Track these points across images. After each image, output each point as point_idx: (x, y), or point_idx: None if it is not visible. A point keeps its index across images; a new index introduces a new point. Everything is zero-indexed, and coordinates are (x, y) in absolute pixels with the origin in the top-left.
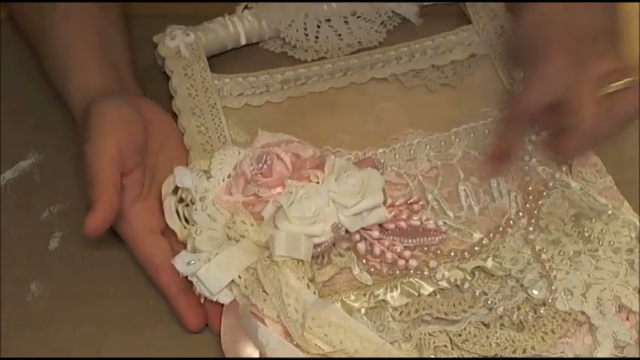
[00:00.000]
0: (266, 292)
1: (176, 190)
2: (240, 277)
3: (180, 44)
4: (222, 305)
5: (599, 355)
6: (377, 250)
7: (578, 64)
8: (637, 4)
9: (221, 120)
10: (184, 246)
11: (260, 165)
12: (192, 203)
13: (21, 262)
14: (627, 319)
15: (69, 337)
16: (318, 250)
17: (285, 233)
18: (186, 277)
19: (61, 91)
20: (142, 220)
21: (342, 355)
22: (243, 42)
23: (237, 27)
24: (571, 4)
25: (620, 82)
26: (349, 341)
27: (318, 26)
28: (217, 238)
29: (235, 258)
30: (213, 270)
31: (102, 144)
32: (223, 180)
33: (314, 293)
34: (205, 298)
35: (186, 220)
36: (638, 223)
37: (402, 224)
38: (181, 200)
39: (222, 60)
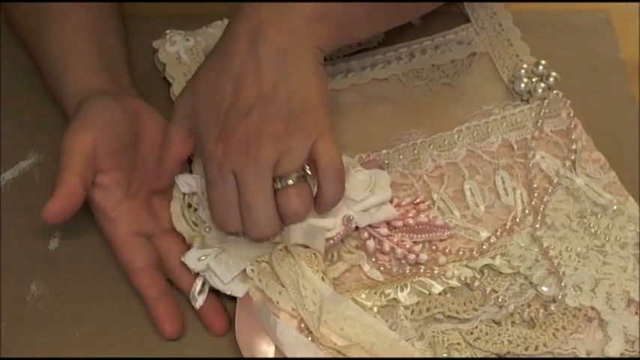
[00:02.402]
0: (281, 285)
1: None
2: (252, 271)
3: (180, 49)
4: (219, 306)
5: (610, 350)
6: (386, 246)
7: (238, 150)
8: (637, 4)
9: None
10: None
11: None
12: (199, 207)
13: (21, 262)
14: (636, 313)
15: (69, 337)
16: (331, 242)
17: (300, 223)
18: (167, 281)
19: (56, 93)
20: (127, 221)
21: (358, 349)
22: None
23: None
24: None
25: (285, 181)
26: (365, 335)
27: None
28: (227, 236)
29: (246, 249)
30: (225, 260)
31: (77, 136)
32: None
33: (325, 283)
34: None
35: (195, 224)
36: None
37: (410, 221)
38: (189, 206)
39: None
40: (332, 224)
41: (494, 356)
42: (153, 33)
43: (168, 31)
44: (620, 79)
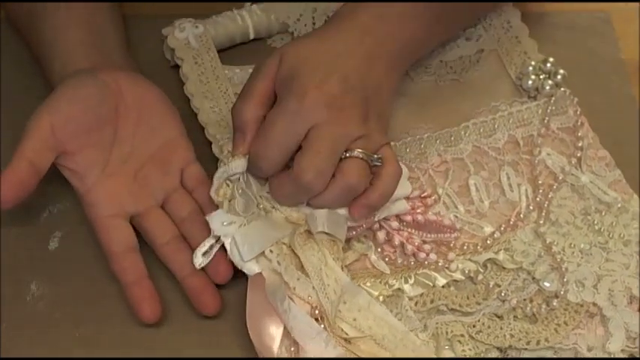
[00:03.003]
0: (299, 271)
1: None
2: (271, 252)
3: (189, 36)
4: (210, 286)
5: (611, 346)
6: (396, 240)
7: (333, 108)
8: (637, 4)
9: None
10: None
11: None
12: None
13: (21, 262)
14: (638, 309)
15: (69, 337)
16: (353, 233)
17: (326, 211)
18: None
19: (48, 80)
20: (105, 203)
21: (368, 341)
22: (252, 36)
23: (246, 21)
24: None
25: (361, 150)
26: (378, 327)
27: (327, 21)
28: (254, 207)
29: (268, 228)
30: (250, 235)
31: (34, 120)
32: None
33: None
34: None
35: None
36: None
37: (420, 217)
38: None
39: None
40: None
41: (495, 349)
42: (154, 33)
43: (177, 20)
44: (620, 79)
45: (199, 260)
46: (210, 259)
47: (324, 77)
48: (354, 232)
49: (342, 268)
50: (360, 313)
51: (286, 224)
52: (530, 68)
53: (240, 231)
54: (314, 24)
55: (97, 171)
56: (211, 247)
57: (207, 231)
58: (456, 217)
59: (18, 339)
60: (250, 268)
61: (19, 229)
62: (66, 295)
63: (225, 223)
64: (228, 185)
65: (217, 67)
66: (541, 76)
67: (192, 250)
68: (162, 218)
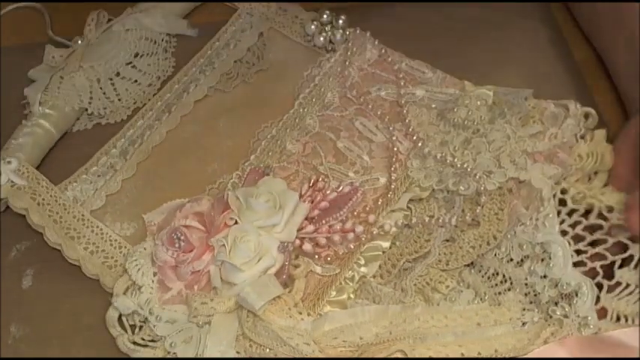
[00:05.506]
0: (269, 348)
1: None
2: (238, 353)
3: (9, 176)
4: None
5: (545, 194)
6: (322, 240)
7: None
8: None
9: (99, 226)
10: None
11: (176, 245)
12: (150, 321)
13: None
14: (536, 160)
15: None
16: (283, 277)
17: (248, 285)
18: None
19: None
20: None
21: (370, 348)
22: (58, 136)
23: (43, 127)
24: None
25: None
26: (366, 332)
27: (113, 84)
28: (192, 337)
29: (219, 340)
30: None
31: None
32: (153, 281)
33: (302, 314)
34: None
35: (153, 341)
36: (487, 91)
37: (323, 204)
38: (132, 328)
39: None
40: (272, 261)
41: (468, 270)
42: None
43: None
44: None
45: None
46: None
47: None
48: (284, 277)
49: (301, 312)
50: (344, 333)
51: (232, 316)
52: (313, 27)
53: None
54: (105, 93)
55: None
56: None
57: None
58: (352, 184)
59: None
60: None
61: None
62: (46, 333)
63: None
64: (154, 348)
65: (58, 196)
66: (327, 29)
67: None
68: None
